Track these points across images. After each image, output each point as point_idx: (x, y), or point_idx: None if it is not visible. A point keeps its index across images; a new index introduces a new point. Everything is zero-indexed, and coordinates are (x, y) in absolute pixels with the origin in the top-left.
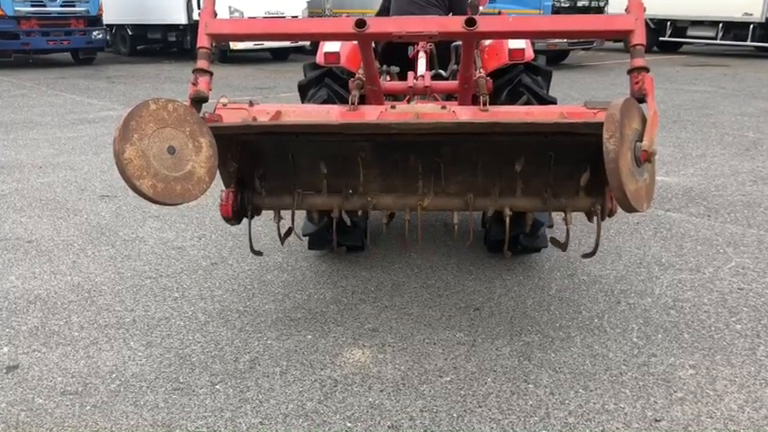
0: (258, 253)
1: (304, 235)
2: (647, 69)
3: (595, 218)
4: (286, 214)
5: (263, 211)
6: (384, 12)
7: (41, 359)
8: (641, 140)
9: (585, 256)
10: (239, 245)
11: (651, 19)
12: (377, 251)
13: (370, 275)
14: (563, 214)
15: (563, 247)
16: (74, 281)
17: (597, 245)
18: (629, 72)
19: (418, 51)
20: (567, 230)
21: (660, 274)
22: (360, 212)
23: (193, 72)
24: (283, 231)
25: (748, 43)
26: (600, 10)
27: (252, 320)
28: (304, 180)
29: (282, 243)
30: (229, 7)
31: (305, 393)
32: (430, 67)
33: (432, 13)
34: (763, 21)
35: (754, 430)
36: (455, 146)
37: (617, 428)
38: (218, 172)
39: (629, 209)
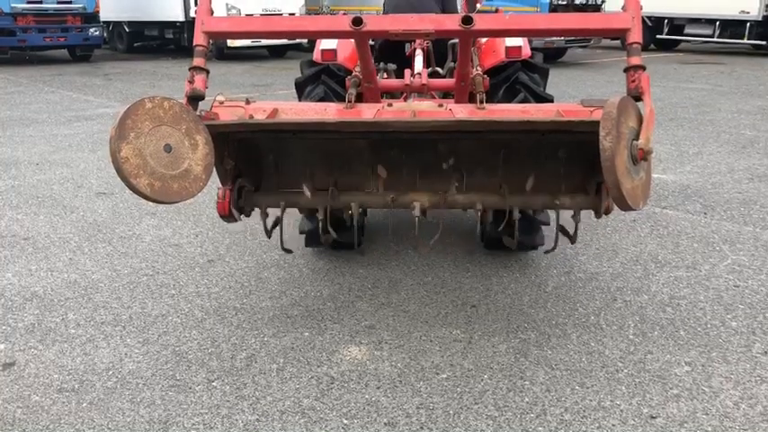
0: (287, 251)
1: (300, 232)
2: (643, 68)
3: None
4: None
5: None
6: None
7: (38, 356)
8: (638, 138)
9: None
10: (236, 242)
11: (648, 17)
12: (374, 249)
13: (367, 273)
14: (569, 211)
15: (572, 239)
16: (70, 278)
17: (576, 236)
18: (626, 70)
19: (415, 49)
20: (576, 226)
21: (656, 271)
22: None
23: (190, 70)
24: (283, 229)
25: (745, 41)
26: (597, 8)
27: (249, 318)
28: (300, 178)
29: (284, 248)
30: (226, 4)
31: (302, 390)
32: (427, 64)
33: (426, 11)
34: (760, 19)
35: (750, 427)
36: (451, 143)
37: (613, 425)
38: (214, 169)
39: (626, 207)
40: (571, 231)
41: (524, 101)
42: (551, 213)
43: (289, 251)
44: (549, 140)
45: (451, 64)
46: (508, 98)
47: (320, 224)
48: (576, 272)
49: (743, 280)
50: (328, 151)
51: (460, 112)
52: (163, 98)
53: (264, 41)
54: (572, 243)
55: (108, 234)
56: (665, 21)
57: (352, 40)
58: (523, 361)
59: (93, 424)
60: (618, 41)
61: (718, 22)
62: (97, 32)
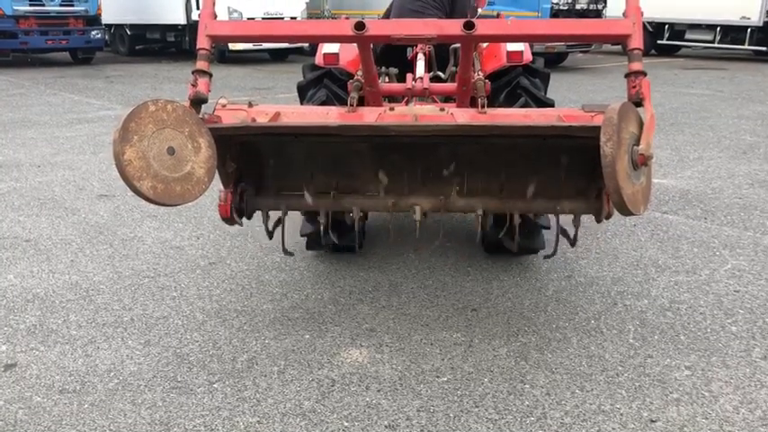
0: (288, 253)
1: (302, 235)
2: (644, 73)
3: (574, 216)
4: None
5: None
6: (388, 14)
7: (39, 357)
8: (638, 144)
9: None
10: (237, 245)
11: (649, 22)
12: (375, 251)
13: (368, 276)
14: (569, 216)
15: (572, 242)
16: (72, 280)
17: (575, 239)
18: (627, 76)
19: (417, 53)
20: (576, 230)
21: (657, 275)
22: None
23: (193, 73)
24: (287, 232)
25: (746, 47)
26: (598, 13)
27: (250, 320)
28: (301, 181)
29: (285, 250)
30: (228, 8)
31: (302, 393)
32: (428, 68)
33: (431, 16)
34: (761, 24)
35: (749, 431)
36: (452, 148)
37: (613, 429)
38: (216, 172)
39: (626, 212)
40: (571, 234)
41: (525, 105)
42: (551, 217)
43: (290, 254)
44: (551, 145)
45: (453, 68)
46: (509, 103)
47: (321, 227)
48: (576, 276)
49: (743, 285)
50: (330, 155)
51: (462, 116)
52: (166, 101)
53: (266, 45)
54: (572, 246)
55: (109, 236)
56: (666, 26)
57: (354, 44)
58: (524, 364)
59: (95, 425)
60: (619, 46)
61: (718, 28)
62: (99, 35)
